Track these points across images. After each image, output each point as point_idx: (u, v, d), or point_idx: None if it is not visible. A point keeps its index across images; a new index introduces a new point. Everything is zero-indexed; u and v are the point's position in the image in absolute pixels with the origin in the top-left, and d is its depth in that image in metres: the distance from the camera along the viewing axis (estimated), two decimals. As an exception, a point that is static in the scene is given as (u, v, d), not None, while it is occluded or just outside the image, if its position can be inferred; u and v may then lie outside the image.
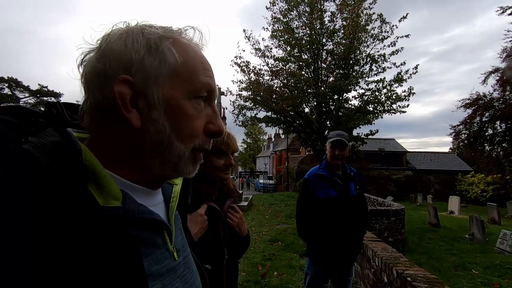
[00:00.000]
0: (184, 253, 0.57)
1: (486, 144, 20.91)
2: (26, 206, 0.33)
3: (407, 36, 12.24)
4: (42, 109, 0.49)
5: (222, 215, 1.19)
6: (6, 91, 27.04)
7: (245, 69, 13.19)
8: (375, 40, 12.55)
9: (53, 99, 29.10)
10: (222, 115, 13.82)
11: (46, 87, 28.63)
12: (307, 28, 12.80)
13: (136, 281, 0.40)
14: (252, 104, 13.52)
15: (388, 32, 12.32)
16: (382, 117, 12.78)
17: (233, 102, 13.82)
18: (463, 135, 21.70)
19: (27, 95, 28.14)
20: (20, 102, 27.49)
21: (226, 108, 14.52)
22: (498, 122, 19.75)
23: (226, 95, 13.54)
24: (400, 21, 12.09)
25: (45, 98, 28.85)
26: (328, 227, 2.32)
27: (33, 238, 0.33)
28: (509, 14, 17.13)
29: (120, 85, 0.43)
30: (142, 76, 0.44)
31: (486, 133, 20.35)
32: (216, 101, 0.53)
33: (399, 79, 12.18)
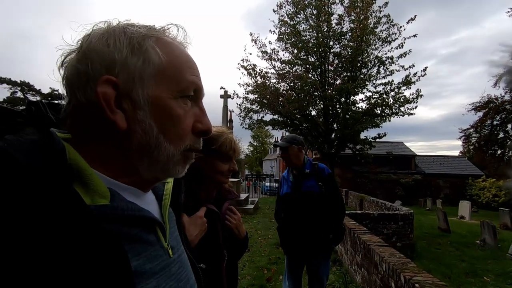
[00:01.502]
0: (179, 251, 0.56)
1: (497, 148, 20.49)
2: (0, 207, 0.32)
3: (414, 36, 12.14)
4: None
5: (221, 216, 1.18)
6: (19, 94, 27.73)
7: (251, 72, 13.25)
8: (383, 43, 12.48)
9: (63, 102, 29.90)
10: (229, 118, 13.85)
11: (57, 90, 29.25)
12: (314, 31, 12.81)
13: (122, 281, 0.38)
14: (259, 107, 13.55)
15: (396, 34, 12.25)
16: (390, 120, 12.70)
17: (239, 105, 13.88)
18: (473, 138, 21.32)
19: (38, 98, 28.68)
20: (32, 105, 28.21)
21: (233, 111, 14.56)
22: (509, 125, 19.36)
23: (232, 98, 13.60)
24: (408, 22, 12.01)
25: (56, 102, 29.55)
26: (284, 220, 2.69)
27: (9, 239, 0.31)
28: (520, 16, 16.83)
29: (104, 85, 0.42)
30: (126, 76, 0.44)
31: (498, 137, 19.95)
32: (202, 100, 0.52)
33: (407, 82, 12.07)
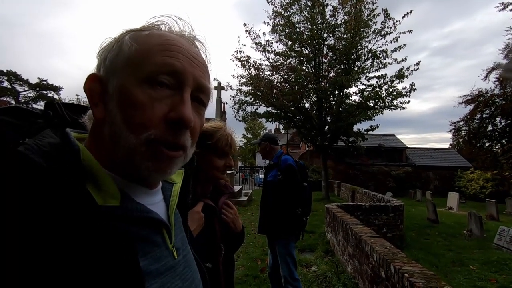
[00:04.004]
0: (184, 252, 0.57)
1: (485, 140, 20.92)
2: (20, 207, 0.33)
3: (409, 31, 12.15)
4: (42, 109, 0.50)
5: (218, 211, 1.19)
6: (6, 84, 26.92)
7: (245, 63, 13.12)
8: (377, 36, 12.47)
9: (52, 93, 29.14)
10: (222, 110, 13.76)
11: (45, 80, 28.51)
12: (308, 23, 12.70)
13: (132, 280, 0.40)
14: (253, 99, 13.48)
15: (391, 28, 12.23)
16: (382, 113, 12.78)
17: (233, 97, 13.78)
18: (463, 131, 21.69)
19: (26, 88, 28.01)
20: (20, 95, 27.39)
21: (226, 103, 14.47)
22: (498, 119, 19.72)
23: (226, 90, 13.49)
24: (404, 17, 11.99)
25: (44, 92, 28.78)
26: None
27: (26, 239, 0.32)
28: (511, 10, 16.97)
29: (90, 82, 0.46)
30: (106, 70, 0.46)
31: (487, 130, 20.33)
32: (189, 88, 0.47)
33: (400, 75, 12.13)
